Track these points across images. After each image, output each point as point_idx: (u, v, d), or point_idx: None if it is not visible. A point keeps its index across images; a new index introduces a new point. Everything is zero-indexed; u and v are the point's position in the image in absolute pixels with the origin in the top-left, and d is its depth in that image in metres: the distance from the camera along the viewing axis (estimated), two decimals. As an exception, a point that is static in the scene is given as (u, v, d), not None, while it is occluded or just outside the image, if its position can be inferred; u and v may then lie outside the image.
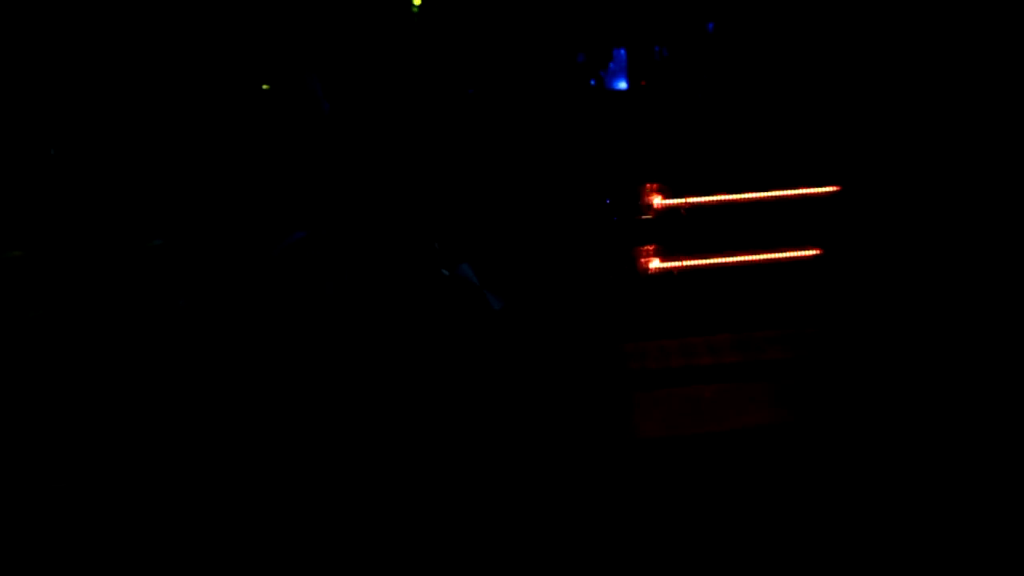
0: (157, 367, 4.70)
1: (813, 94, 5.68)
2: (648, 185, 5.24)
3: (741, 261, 5.20)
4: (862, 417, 4.83)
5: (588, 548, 4.20)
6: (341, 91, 5.42)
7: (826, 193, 5.31)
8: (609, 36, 6.06)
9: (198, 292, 4.88)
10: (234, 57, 5.45)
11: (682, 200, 5.22)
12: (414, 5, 5.72)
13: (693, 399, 4.90)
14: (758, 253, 5.22)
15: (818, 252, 5.26)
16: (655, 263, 5.19)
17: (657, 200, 5.22)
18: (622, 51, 6.14)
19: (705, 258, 5.20)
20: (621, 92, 6.14)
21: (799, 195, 5.29)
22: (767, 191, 5.28)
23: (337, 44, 5.55)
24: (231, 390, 4.67)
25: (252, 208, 5.11)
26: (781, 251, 5.24)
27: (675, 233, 5.22)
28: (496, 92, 5.71)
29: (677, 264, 5.19)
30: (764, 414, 4.86)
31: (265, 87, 5.43)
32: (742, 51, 5.91)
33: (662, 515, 4.36)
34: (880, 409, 4.85)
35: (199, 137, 5.30)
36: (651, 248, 5.20)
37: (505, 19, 5.80)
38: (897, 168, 5.40)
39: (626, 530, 4.28)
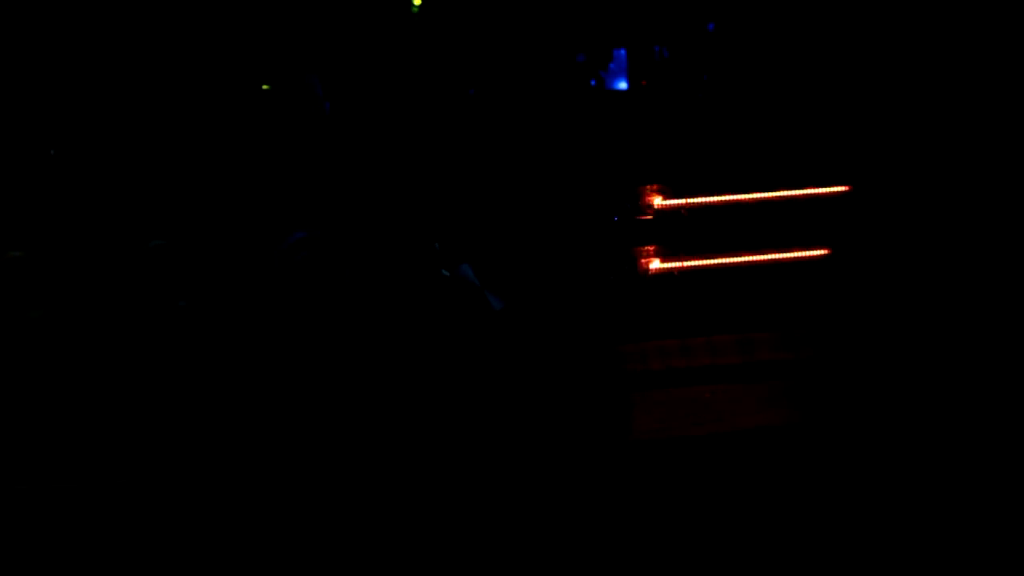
0: (157, 368, 4.70)
1: (815, 93, 5.67)
2: (648, 185, 5.23)
3: (743, 262, 5.20)
4: (865, 419, 4.83)
5: (585, 549, 4.20)
6: (341, 91, 5.42)
7: (830, 193, 5.31)
8: (609, 36, 6.06)
9: (199, 293, 4.88)
10: (234, 57, 5.45)
11: (683, 200, 5.21)
12: (414, 5, 5.71)
13: (693, 400, 4.90)
14: (760, 254, 5.22)
15: (823, 253, 5.26)
16: (655, 264, 5.19)
17: (658, 200, 5.22)
18: (622, 51, 6.13)
19: (706, 259, 5.20)
20: (621, 92, 6.14)
21: (801, 195, 5.29)
22: (768, 191, 5.28)
23: (337, 44, 5.55)
24: (232, 390, 4.67)
25: (252, 208, 5.11)
26: (784, 252, 5.23)
27: (676, 234, 5.22)
28: (496, 92, 5.70)
29: (678, 264, 5.19)
30: (764, 415, 4.86)
31: (265, 87, 5.42)
32: (742, 51, 5.91)
33: (659, 516, 4.36)
34: (884, 411, 4.85)
35: (199, 137, 5.30)
36: (651, 249, 5.20)
37: (505, 19, 5.80)
38: (900, 168, 5.40)
39: (623, 530, 4.28)
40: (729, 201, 5.24)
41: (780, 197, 5.27)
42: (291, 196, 5.16)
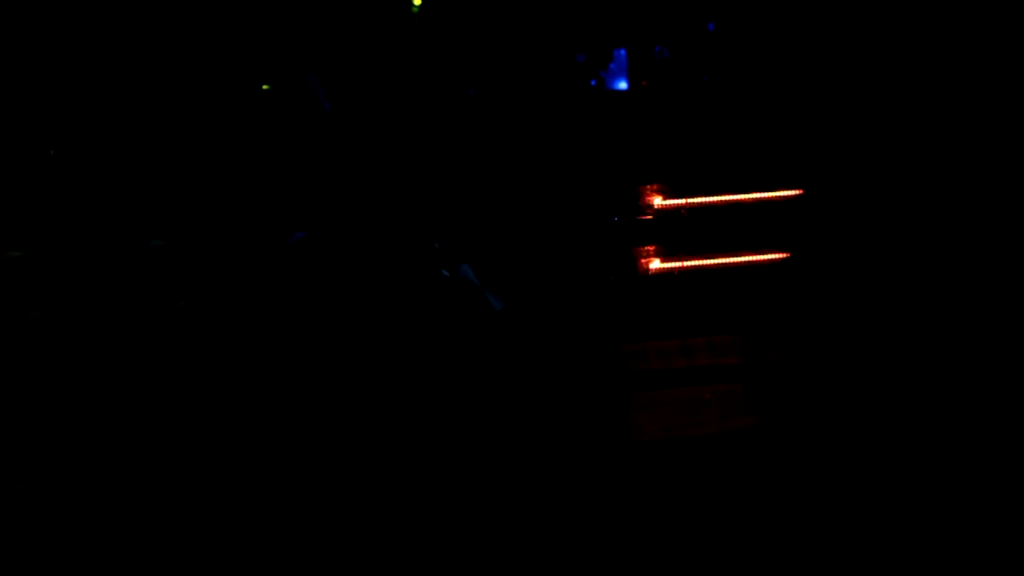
0: (157, 368, 4.71)
1: (814, 92, 5.68)
2: (648, 185, 5.24)
3: (743, 262, 5.20)
4: (862, 419, 4.83)
5: (585, 549, 4.20)
6: (341, 91, 5.42)
7: (833, 193, 5.32)
8: (609, 36, 6.06)
9: (198, 293, 4.88)
10: (234, 57, 5.45)
11: (683, 200, 5.22)
12: (414, 5, 5.71)
13: (693, 400, 4.91)
14: (761, 253, 5.22)
15: (823, 252, 5.27)
16: (655, 264, 5.19)
17: (657, 200, 5.22)
18: (622, 51, 6.14)
19: (707, 259, 5.20)
20: (621, 92, 6.15)
21: (801, 195, 5.30)
22: (769, 191, 5.28)
23: (337, 44, 5.55)
24: (232, 391, 4.67)
25: (252, 209, 5.11)
26: (784, 251, 5.24)
27: (676, 234, 5.22)
28: (496, 92, 5.71)
29: (678, 264, 5.19)
30: (765, 415, 4.86)
31: (265, 87, 5.42)
32: (742, 52, 5.91)
33: (659, 517, 4.36)
34: (880, 410, 4.86)
35: (199, 137, 5.30)
36: (651, 249, 5.20)
37: (505, 19, 5.80)
38: (904, 168, 5.40)
39: (623, 531, 4.28)
40: (729, 201, 5.25)
41: (780, 197, 5.27)
42: (291, 196, 5.16)
